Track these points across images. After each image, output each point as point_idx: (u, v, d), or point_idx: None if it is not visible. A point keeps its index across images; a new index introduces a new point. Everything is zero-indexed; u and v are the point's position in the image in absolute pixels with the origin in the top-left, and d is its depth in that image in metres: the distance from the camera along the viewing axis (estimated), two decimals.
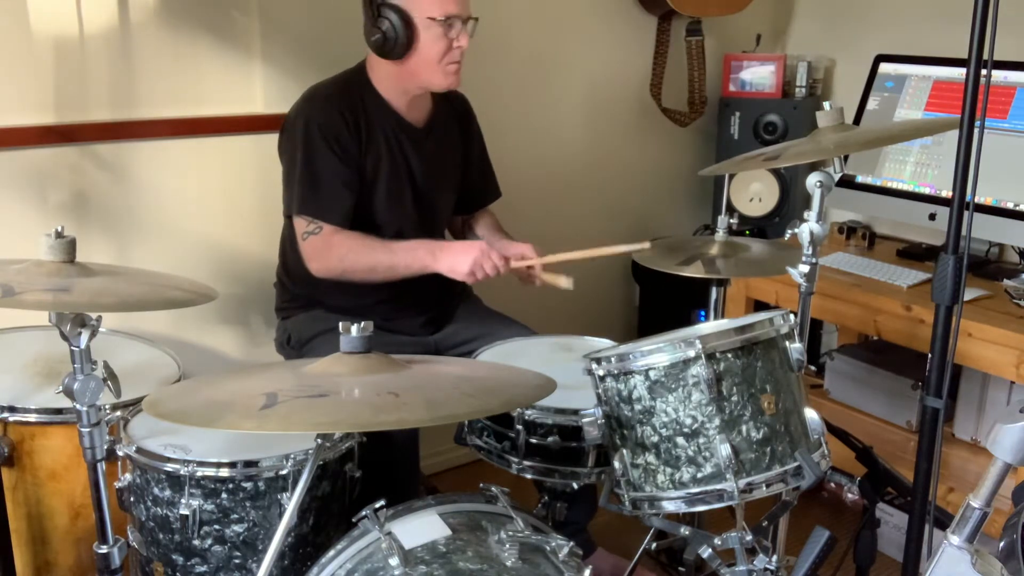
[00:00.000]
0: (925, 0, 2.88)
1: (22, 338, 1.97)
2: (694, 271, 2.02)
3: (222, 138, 2.33)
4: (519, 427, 1.71)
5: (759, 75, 3.12)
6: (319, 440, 1.46)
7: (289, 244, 2.19)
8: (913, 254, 2.70)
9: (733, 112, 3.14)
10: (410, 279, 2.07)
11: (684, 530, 1.56)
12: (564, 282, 2.03)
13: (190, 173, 2.30)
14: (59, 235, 1.49)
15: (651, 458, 1.48)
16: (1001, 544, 1.17)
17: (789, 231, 1.81)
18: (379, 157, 2.09)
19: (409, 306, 2.19)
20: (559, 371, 1.53)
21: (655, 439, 1.47)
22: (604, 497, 1.60)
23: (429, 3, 1.97)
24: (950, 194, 1.43)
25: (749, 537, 1.50)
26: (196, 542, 1.57)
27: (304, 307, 2.20)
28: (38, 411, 1.70)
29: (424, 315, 2.22)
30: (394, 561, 1.29)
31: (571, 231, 3.05)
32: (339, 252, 2.02)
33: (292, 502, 1.39)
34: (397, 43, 1.98)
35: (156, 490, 1.58)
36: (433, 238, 2.18)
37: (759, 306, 2.70)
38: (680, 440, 1.45)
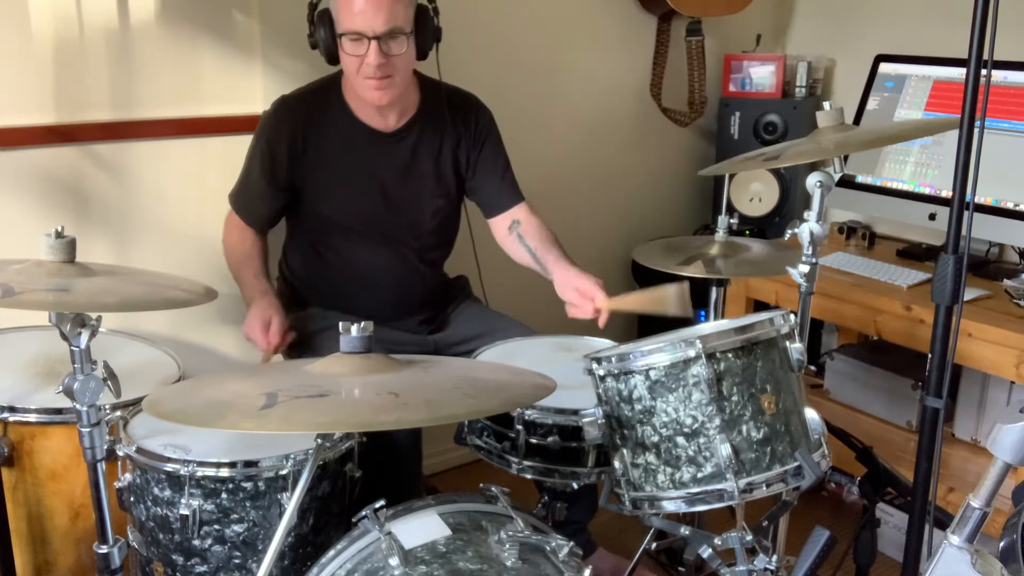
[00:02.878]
0: (925, 0, 2.88)
1: (22, 338, 1.97)
2: (694, 271, 2.03)
3: (222, 138, 2.33)
4: (519, 427, 1.71)
5: (759, 75, 3.12)
6: (319, 440, 1.45)
7: (288, 239, 2.26)
8: (913, 254, 2.70)
9: (733, 112, 3.14)
10: (407, 282, 2.17)
11: (684, 530, 1.56)
12: (674, 298, 1.84)
13: (190, 173, 2.30)
14: (59, 235, 1.48)
15: (651, 458, 1.48)
16: (1001, 544, 1.17)
17: (789, 231, 1.81)
18: (334, 163, 2.09)
19: (405, 307, 2.21)
20: (559, 371, 1.53)
21: (655, 439, 1.47)
22: (604, 497, 1.60)
23: (340, 16, 1.93)
24: (950, 194, 1.43)
25: (749, 537, 1.50)
26: (196, 542, 1.57)
27: (301, 305, 2.21)
28: (38, 411, 1.70)
29: (420, 315, 2.24)
30: (394, 561, 1.29)
31: (571, 231, 3.04)
32: (225, 237, 2.20)
33: (292, 502, 1.39)
34: (326, 52, 2.00)
35: (156, 490, 1.58)
36: (413, 238, 2.18)
37: (759, 306, 2.70)
38: (680, 440, 1.45)
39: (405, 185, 2.16)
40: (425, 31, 2.01)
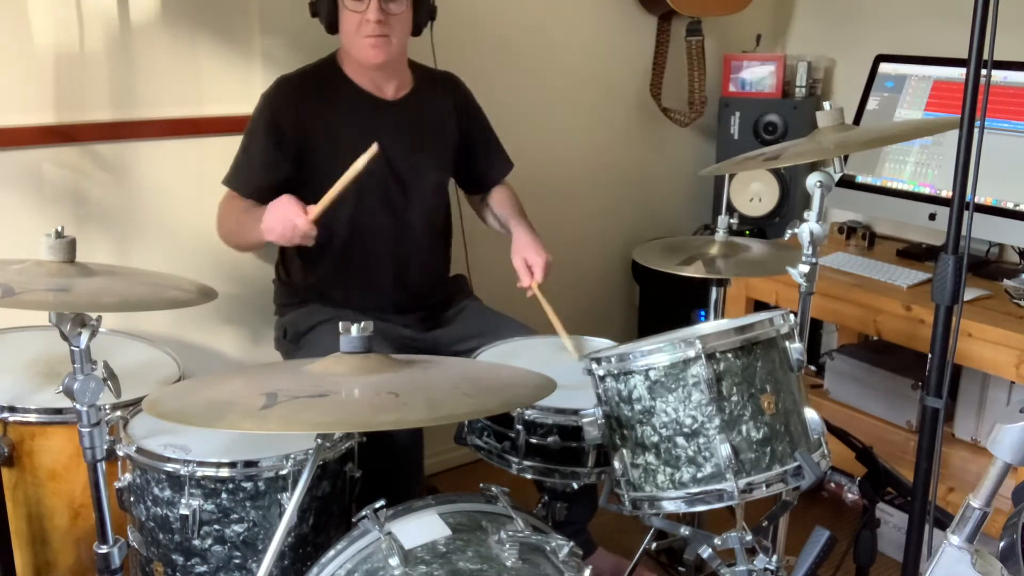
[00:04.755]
0: (925, 0, 2.88)
1: (22, 338, 1.97)
2: (694, 271, 2.02)
3: (222, 138, 2.32)
4: (519, 427, 1.71)
5: (759, 75, 3.12)
6: (319, 440, 1.46)
7: None
8: (913, 254, 2.70)
9: (733, 112, 3.14)
10: (409, 262, 2.19)
11: (684, 530, 1.56)
12: (571, 345, 1.99)
13: (190, 173, 2.30)
14: (59, 235, 1.48)
15: (651, 458, 1.48)
16: (1001, 544, 1.17)
17: (789, 231, 1.81)
18: (340, 131, 2.09)
19: (406, 292, 2.22)
20: (559, 371, 1.53)
21: (655, 439, 1.47)
22: (604, 497, 1.60)
23: None
24: (950, 194, 1.43)
25: (749, 537, 1.50)
26: (196, 542, 1.57)
27: (300, 303, 2.21)
28: (38, 411, 1.70)
29: (420, 311, 2.24)
30: (394, 561, 1.29)
31: (571, 231, 3.05)
32: (220, 216, 2.13)
33: (292, 502, 1.39)
34: (326, 14, 2.06)
35: (156, 490, 1.58)
36: (415, 206, 2.19)
37: (759, 306, 2.70)
38: (680, 440, 1.45)
39: (409, 155, 2.17)
40: (421, 4, 2.08)
